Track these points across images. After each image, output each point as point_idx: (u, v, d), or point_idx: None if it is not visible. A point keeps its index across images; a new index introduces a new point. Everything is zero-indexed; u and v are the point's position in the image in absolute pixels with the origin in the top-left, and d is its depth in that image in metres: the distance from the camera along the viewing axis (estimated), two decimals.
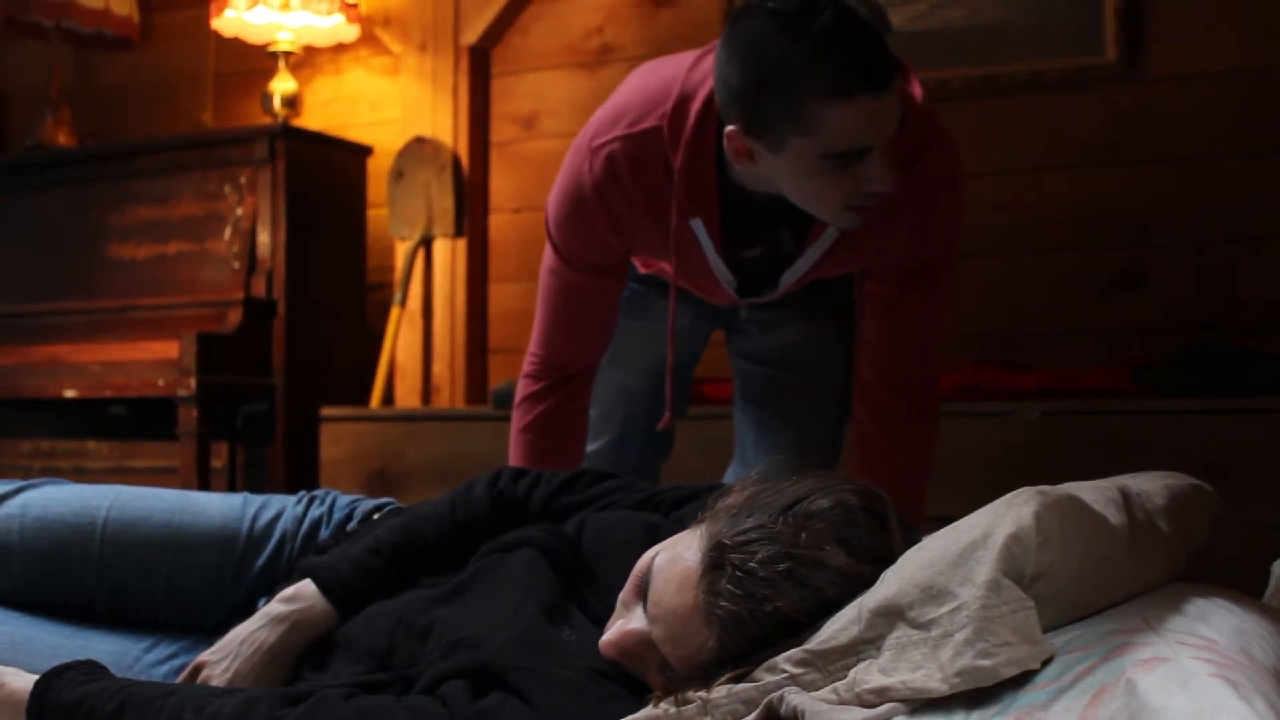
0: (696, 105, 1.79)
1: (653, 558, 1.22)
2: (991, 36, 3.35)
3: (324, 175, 3.76)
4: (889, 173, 1.71)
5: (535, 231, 3.79)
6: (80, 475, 3.96)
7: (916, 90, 1.85)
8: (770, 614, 1.11)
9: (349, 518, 1.67)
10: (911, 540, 1.18)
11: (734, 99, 1.69)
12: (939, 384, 2.00)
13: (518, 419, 2.04)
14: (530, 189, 3.79)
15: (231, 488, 3.69)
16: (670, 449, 2.27)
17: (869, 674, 0.99)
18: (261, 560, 1.64)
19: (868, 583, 1.09)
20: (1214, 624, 1.00)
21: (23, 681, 1.31)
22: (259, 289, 3.57)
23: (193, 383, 3.34)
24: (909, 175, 1.79)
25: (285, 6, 3.71)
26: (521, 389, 2.06)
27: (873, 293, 1.95)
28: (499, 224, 3.85)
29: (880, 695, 0.97)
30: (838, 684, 1.01)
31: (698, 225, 1.84)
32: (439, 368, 3.77)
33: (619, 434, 2.19)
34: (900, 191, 1.77)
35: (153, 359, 3.46)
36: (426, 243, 3.80)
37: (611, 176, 1.85)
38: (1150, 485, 1.20)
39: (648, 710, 1.12)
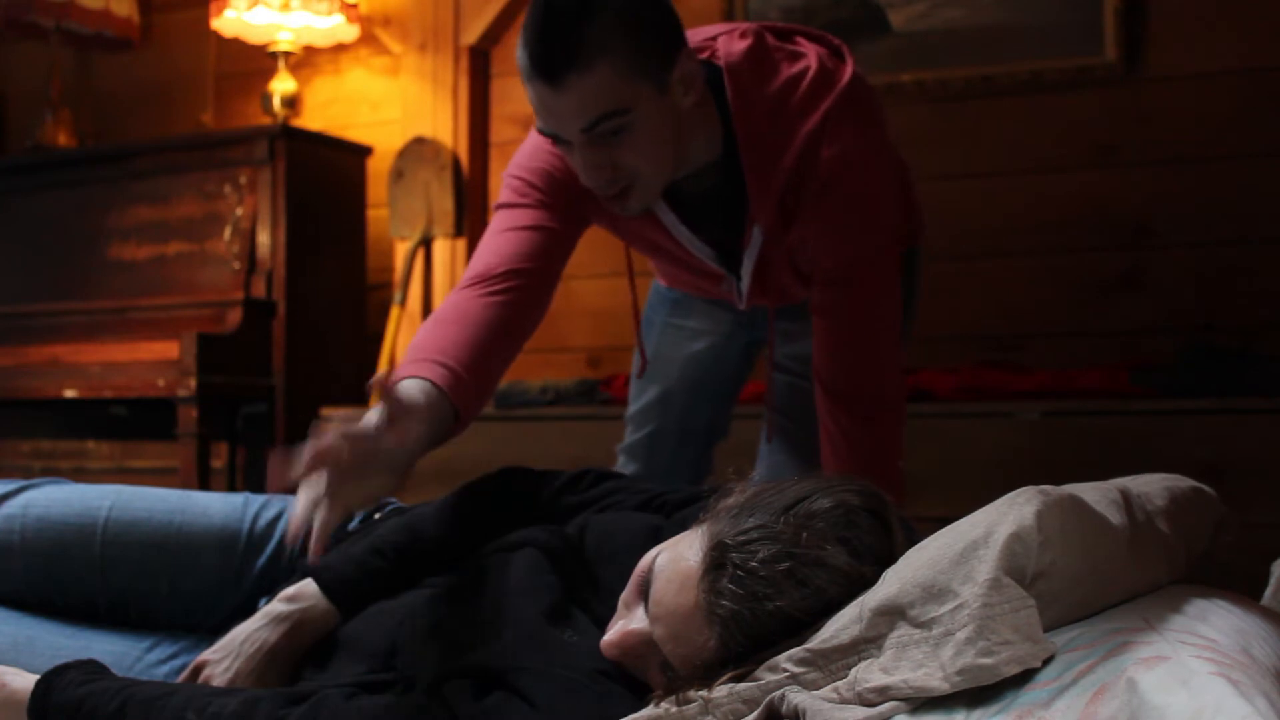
0: None
1: (654, 558, 1.22)
2: (991, 36, 3.35)
3: (324, 176, 3.76)
4: (586, 172, 1.66)
5: None
6: (80, 475, 3.96)
7: (846, 73, 1.77)
8: (771, 613, 1.11)
9: (350, 517, 1.67)
10: (912, 540, 1.18)
11: None
12: (890, 388, 1.86)
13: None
14: None
15: (231, 488, 3.69)
16: (720, 436, 2.28)
17: (870, 673, 0.99)
18: (263, 560, 1.64)
19: (869, 582, 1.09)
20: (1214, 624, 1.00)
21: (24, 681, 1.31)
22: (259, 289, 3.57)
23: (193, 383, 3.34)
24: (808, 163, 1.72)
25: (285, 7, 3.71)
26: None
27: (812, 299, 1.86)
28: None
29: (881, 694, 0.97)
30: (839, 683, 1.01)
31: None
32: None
33: (652, 433, 2.22)
34: (801, 180, 1.72)
35: (153, 359, 3.46)
36: (426, 243, 3.80)
37: None
38: (1150, 487, 1.20)
39: (649, 710, 1.12)
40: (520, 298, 1.76)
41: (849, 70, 1.78)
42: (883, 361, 1.85)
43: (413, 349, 1.67)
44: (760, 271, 1.85)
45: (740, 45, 1.76)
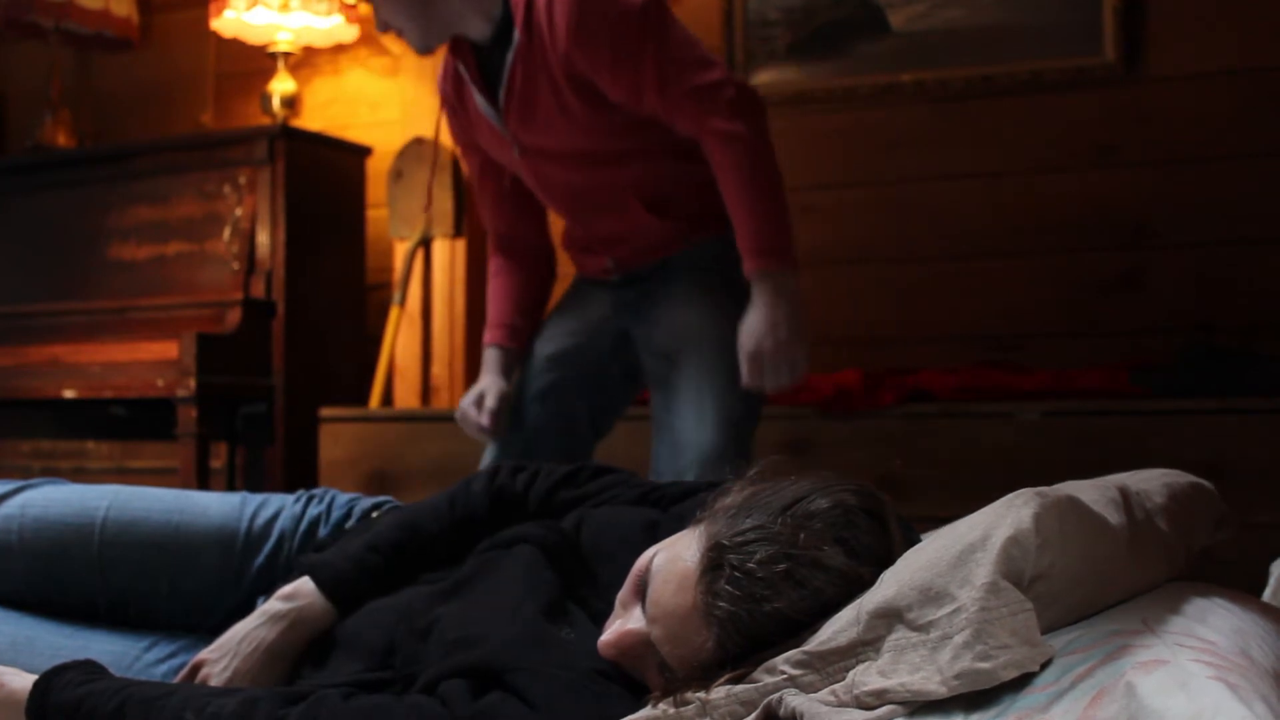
0: None
1: (651, 557, 1.22)
2: (991, 36, 3.35)
3: (323, 176, 3.76)
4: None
5: None
6: (80, 475, 3.96)
7: None
8: (769, 614, 1.11)
9: (348, 516, 1.68)
10: (911, 540, 1.18)
11: None
12: (716, 92, 2.10)
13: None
14: None
15: (231, 489, 3.69)
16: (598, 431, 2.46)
17: (868, 676, 0.99)
18: (260, 559, 1.64)
19: (866, 584, 1.09)
20: (1213, 625, 1.00)
21: (22, 682, 1.30)
22: (258, 289, 3.57)
23: (192, 383, 3.34)
24: None
25: (284, 7, 3.71)
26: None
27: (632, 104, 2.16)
28: None
29: (879, 697, 0.97)
30: (836, 686, 1.01)
31: (464, 70, 2.26)
32: (438, 368, 3.77)
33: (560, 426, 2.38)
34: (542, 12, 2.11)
35: (152, 359, 3.46)
36: (426, 243, 3.79)
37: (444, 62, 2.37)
38: (1150, 484, 1.20)
39: (647, 711, 1.12)
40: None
41: None
42: (692, 75, 2.10)
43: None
44: (519, 92, 2.18)
45: None
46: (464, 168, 3.76)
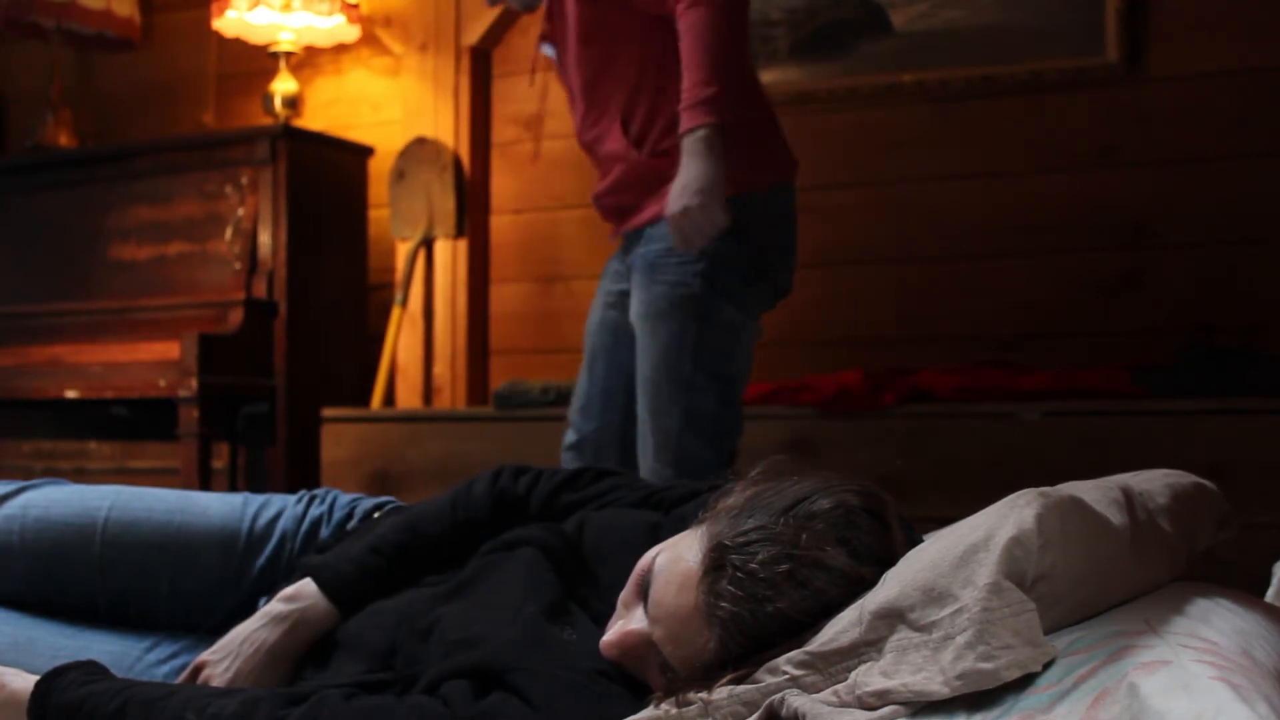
0: None
1: (653, 558, 1.22)
2: (991, 36, 3.35)
3: (325, 176, 3.76)
4: None
5: (536, 232, 3.79)
6: (81, 476, 3.96)
7: None
8: (771, 615, 1.11)
9: (349, 516, 1.67)
10: (913, 540, 1.18)
11: None
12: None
13: None
14: (531, 190, 3.79)
15: (232, 489, 3.69)
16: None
17: (870, 676, 0.99)
18: (262, 560, 1.64)
19: (869, 584, 1.09)
20: (1216, 625, 1.00)
21: (24, 682, 1.31)
22: (260, 290, 3.57)
23: (194, 383, 3.34)
24: None
25: (286, 7, 3.71)
26: None
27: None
28: (500, 225, 3.85)
29: (881, 698, 0.97)
30: (839, 686, 1.01)
31: None
32: (440, 369, 3.77)
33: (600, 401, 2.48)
34: None
35: (154, 360, 3.46)
36: (428, 243, 3.80)
37: None
38: (1152, 484, 1.20)
39: (649, 711, 1.12)
40: None
41: None
42: None
43: None
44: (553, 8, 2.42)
45: None
46: (467, 168, 3.77)
